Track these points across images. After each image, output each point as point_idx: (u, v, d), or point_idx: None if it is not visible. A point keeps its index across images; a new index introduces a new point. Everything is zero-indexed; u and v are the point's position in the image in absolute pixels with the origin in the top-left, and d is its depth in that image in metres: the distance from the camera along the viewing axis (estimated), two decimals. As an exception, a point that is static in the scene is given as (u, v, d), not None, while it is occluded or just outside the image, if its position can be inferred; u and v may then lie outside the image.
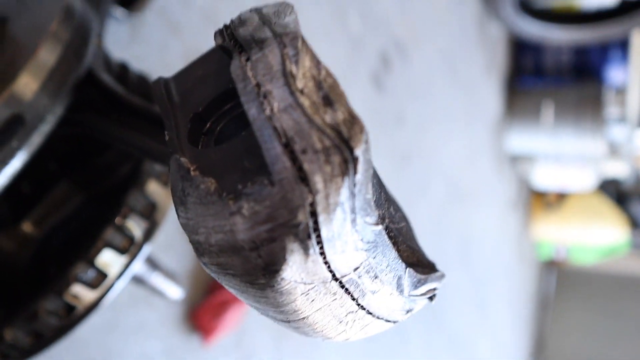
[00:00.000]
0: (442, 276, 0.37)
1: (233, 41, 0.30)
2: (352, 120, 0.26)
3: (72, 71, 0.49)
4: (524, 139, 3.22)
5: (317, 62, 0.27)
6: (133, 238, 0.56)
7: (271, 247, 0.26)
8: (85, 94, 0.55)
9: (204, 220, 0.27)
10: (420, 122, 2.16)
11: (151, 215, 0.57)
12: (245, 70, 0.27)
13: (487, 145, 3.05)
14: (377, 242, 0.29)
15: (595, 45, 2.93)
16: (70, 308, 0.54)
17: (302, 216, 0.25)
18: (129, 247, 0.55)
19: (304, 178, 0.25)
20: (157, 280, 0.77)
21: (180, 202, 0.27)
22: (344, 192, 0.26)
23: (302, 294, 0.29)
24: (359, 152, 0.25)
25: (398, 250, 0.32)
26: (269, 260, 0.26)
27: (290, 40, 0.27)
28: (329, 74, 0.26)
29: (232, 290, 0.30)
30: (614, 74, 2.97)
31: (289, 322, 0.31)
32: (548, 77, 3.21)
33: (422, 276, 0.35)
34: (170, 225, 1.11)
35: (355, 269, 0.29)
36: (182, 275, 1.10)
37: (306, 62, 0.27)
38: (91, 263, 0.53)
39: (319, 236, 0.26)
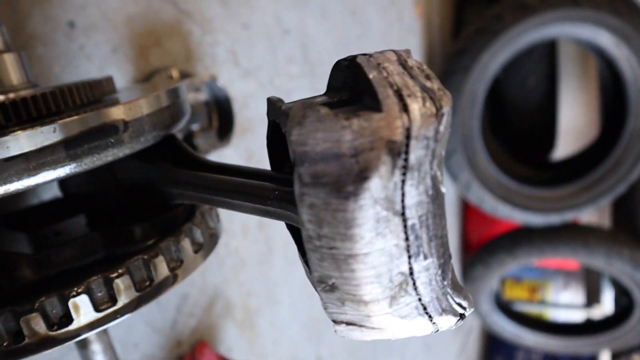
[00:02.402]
0: (473, 305, 0.39)
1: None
2: (444, 91, 0.35)
3: (156, 128, 0.59)
4: None
5: (421, 62, 0.38)
6: (153, 280, 0.56)
7: (369, 155, 0.32)
8: (163, 150, 0.64)
9: (315, 133, 0.33)
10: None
11: (175, 270, 0.59)
12: (369, 59, 0.37)
13: None
14: (439, 203, 0.35)
15: (565, 357, 3.00)
16: (65, 319, 0.51)
17: (400, 135, 0.32)
18: (145, 285, 0.55)
19: (406, 109, 0.33)
20: None
21: (298, 124, 0.34)
22: (432, 130, 0.33)
23: (374, 218, 0.33)
24: (445, 110, 0.34)
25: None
26: (364, 165, 0.32)
27: (404, 51, 0.39)
28: (429, 68, 0.37)
29: (310, 213, 0.34)
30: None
31: (349, 256, 0.34)
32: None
33: (460, 285, 0.38)
34: None
35: (420, 217, 0.34)
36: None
37: (413, 60, 0.38)
38: (109, 283, 0.53)
39: (405, 160, 0.33)
